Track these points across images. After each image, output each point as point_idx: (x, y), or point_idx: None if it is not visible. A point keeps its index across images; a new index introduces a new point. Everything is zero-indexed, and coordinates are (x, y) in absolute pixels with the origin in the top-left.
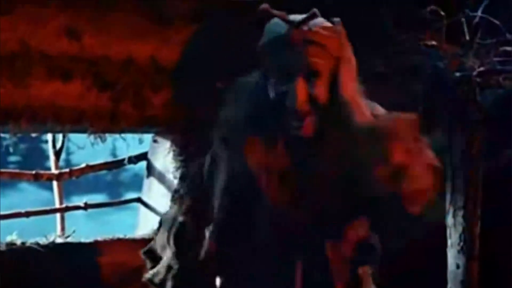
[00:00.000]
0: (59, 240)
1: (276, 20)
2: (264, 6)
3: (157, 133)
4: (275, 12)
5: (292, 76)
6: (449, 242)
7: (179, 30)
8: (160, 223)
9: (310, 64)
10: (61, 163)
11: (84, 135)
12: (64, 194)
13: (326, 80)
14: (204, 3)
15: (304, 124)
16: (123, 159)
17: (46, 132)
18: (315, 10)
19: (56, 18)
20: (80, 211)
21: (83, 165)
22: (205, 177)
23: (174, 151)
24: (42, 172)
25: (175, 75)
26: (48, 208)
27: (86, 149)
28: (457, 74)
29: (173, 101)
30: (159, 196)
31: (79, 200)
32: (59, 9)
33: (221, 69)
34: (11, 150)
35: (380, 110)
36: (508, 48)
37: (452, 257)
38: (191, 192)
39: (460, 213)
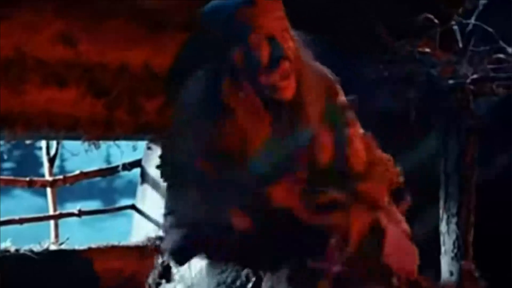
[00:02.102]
0: (53, 247)
1: (214, 4)
2: None
3: (151, 140)
4: None
5: (270, 34)
6: (442, 249)
7: (172, 37)
8: None
9: (283, 18)
10: (55, 170)
11: (78, 142)
12: (58, 201)
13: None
14: (198, 11)
15: (288, 84)
16: (117, 166)
17: (41, 138)
18: None
19: (52, 25)
20: (74, 218)
21: (77, 172)
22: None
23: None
24: (36, 178)
25: (169, 78)
26: (42, 215)
27: (80, 156)
28: (451, 81)
29: (166, 106)
30: (153, 203)
31: (73, 207)
32: (55, 16)
33: None
34: (5, 156)
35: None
36: (502, 56)
37: (446, 263)
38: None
39: (454, 220)
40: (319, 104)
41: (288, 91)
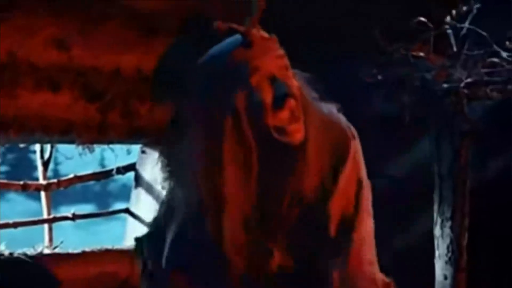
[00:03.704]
0: (47, 251)
1: (211, 51)
2: (219, 24)
3: (145, 144)
4: (233, 25)
5: (271, 75)
6: (436, 253)
7: (165, 41)
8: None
9: (282, 57)
10: (49, 173)
11: (72, 146)
12: (52, 204)
13: None
14: (189, 16)
15: (298, 127)
16: (111, 170)
17: (35, 142)
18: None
19: (45, 29)
20: (68, 222)
21: (71, 176)
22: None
23: (162, 162)
24: (30, 182)
25: (154, 78)
26: (36, 218)
27: (74, 159)
28: (445, 85)
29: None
30: (147, 207)
31: (67, 211)
32: (48, 20)
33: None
34: None
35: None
36: (496, 60)
37: (440, 268)
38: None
39: (448, 224)
40: (325, 150)
41: (297, 134)
